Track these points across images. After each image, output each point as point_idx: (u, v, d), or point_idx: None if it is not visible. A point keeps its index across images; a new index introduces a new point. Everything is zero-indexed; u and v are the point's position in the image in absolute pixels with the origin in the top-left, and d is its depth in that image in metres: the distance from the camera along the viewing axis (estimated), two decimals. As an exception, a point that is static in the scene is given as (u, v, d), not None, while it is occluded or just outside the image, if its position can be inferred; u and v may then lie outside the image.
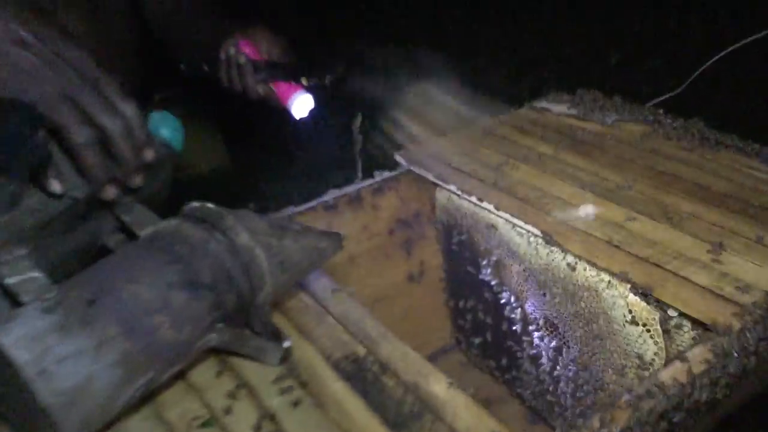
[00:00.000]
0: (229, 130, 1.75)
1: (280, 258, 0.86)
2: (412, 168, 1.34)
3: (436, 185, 1.32)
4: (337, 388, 0.84)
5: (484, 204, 1.20)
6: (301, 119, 1.29)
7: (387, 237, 1.35)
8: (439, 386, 0.84)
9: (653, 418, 0.82)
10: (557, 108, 1.52)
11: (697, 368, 0.86)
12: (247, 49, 1.24)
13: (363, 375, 0.86)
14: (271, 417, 0.81)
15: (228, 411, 0.81)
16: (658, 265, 1.00)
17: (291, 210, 1.25)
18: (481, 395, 1.33)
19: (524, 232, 1.15)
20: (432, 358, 1.42)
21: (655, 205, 1.15)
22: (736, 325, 0.88)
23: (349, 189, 1.31)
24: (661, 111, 1.45)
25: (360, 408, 0.81)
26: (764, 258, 0.99)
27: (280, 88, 1.26)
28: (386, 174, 1.34)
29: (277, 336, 0.87)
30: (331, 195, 1.29)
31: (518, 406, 1.30)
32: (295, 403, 0.82)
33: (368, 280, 1.34)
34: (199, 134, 1.52)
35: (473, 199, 1.22)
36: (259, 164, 1.87)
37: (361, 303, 1.33)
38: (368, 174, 1.35)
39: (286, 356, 0.87)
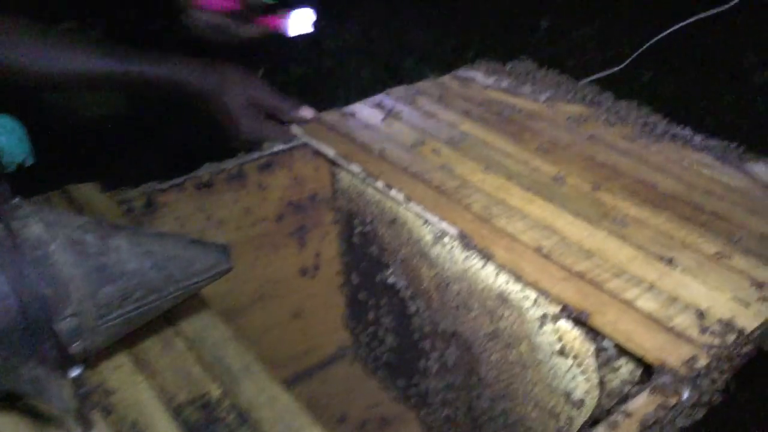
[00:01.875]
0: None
1: (102, 262, 0.62)
2: (308, 142, 1.11)
3: (337, 165, 1.09)
4: (174, 450, 0.62)
5: (393, 192, 0.99)
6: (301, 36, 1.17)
7: (275, 223, 1.12)
8: (312, 447, 0.63)
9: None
10: (485, 79, 1.31)
11: (640, 424, 0.68)
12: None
13: (213, 429, 0.64)
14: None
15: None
16: (595, 284, 0.82)
17: (153, 187, 1.00)
18: (378, 413, 1.14)
19: (438, 230, 0.95)
20: (324, 365, 1.22)
21: (593, 204, 0.97)
22: (687, 369, 0.71)
23: (229, 164, 1.06)
24: (599, 90, 1.27)
25: (202, 478, 0.60)
26: (720, 279, 0.83)
27: (266, 21, 1.14)
28: (277, 147, 1.10)
29: (62, 363, 0.63)
30: (206, 170, 1.04)
31: (417, 428, 1.11)
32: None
33: (250, 274, 1.10)
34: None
35: (379, 184, 1.01)
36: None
37: (239, 303, 1.12)
38: (254, 146, 1.11)
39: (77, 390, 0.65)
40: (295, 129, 1.12)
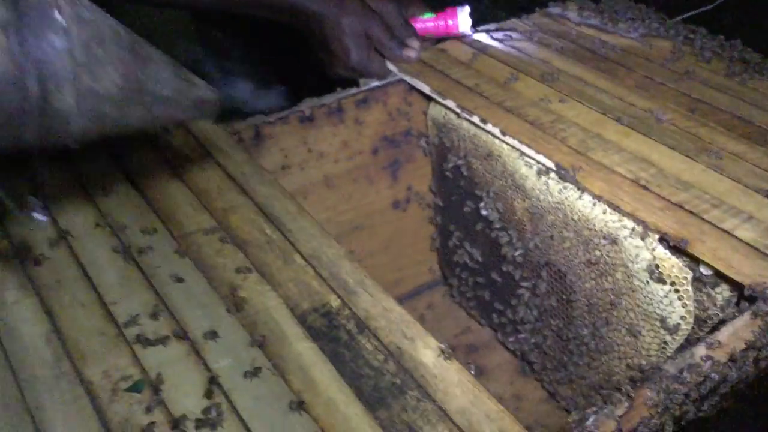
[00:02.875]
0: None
1: (100, 38, 0.60)
2: (404, 77, 1.14)
3: (431, 100, 1.12)
4: (303, 350, 0.68)
5: (488, 126, 1.02)
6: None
7: (370, 156, 1.17)
8: (428, 354, 0.68)
9: (680, 405, 0.67)
10: (576, 16, 1.31)
11: (739, 346, 0.71)
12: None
13: (335, 334, 0.70)
14: (217, 384, 0.65)
15: (159, 380, 0.65)
16: (694, 214, 0.84)
17: (261, 120, 1.05)
18: (467, 340, 1.19)
19: (534, 162, 0.97)
20: (414, 294, 1.27)
21: (690, 139, 0.97)
22: (789, 295, 0.73)
23: (329, 99, 1.11)
24: (693, 27, 1.25)
25: (329, 377, 0.66)
26: (820, 211, 0.83)
27: (432, 30, 1.20)
28: (373, 83, 1.14)
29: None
30: (307, 105, 1.09)
31: (507, 355, 1.16)
32: (251, 371, 0.66)
33: (346, 206, 1.16)
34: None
35: (475, 119, 1.03)
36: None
37: (337, 232, 1.18)
38: (352, 82, 1.15)
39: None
40: (390, 65, 1.15)
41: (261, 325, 0.71)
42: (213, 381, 0.65)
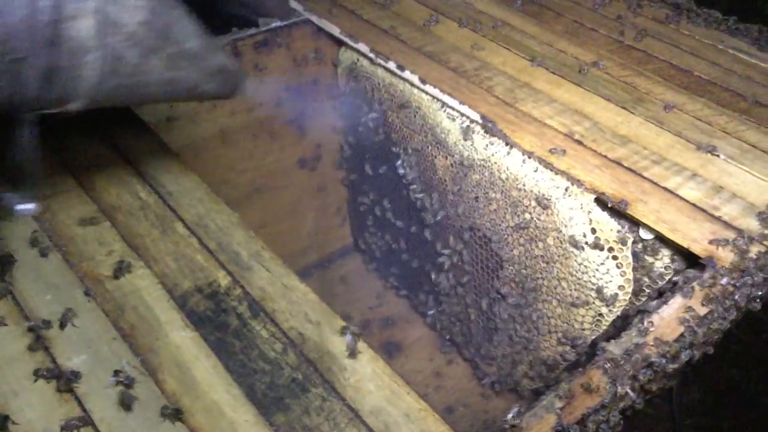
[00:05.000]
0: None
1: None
2: (310, 17, 1.00)
3: (341, 44, 0.99)
4: (181, 341, 0.55)
5: (405, 73, 0.90)
6: None
7: (273, 108, 1.02)
8: (336, 341, 0.57)
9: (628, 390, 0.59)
10: (500, -44, 1.20)
11: (690, 317, 0.63)
12: None
13: (223, 320, 0.57)
14: (69, 388, 0.51)
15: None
16: (633, 171, 0.75)
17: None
18: (383, 313, 1.08)
19: (457, 115, 0.86)
20: (325, 264, 1.15)
21: (626, 89, 0.88)
22: (739, 259, 0.65)
23: (222, 40, 0.95)
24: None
25: (213, 374, 0.53)
26: (766, 165, 0.76)
27: None
28: (274, 23, 0.99)
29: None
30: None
31: (427, 329, 1.06)
32: (113, 370, 0.52)
33: (246, 165, 1.01)
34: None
35: (391, 65, 0.91)
36: None
37: (235, 195, 1.04)
38: (250, 22, 1.00)
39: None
40: (295, 3, 1.01)
41: (129, 310, 0.57)
42: (63, 383, 0.51)
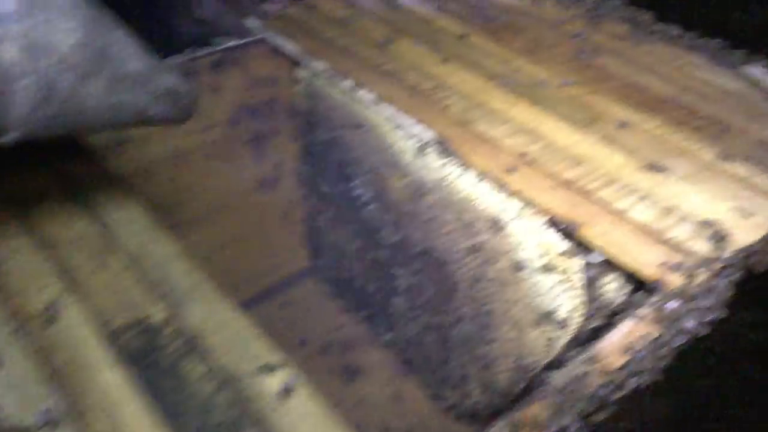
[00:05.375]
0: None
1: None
2: (266, 37, 0.99)
3: (298, 63, 0.98)
4: (110, 381, 0.54)
5: (361, 93, 0.89)
6: None
7: (230, 129, 1.01)
8: (272, 380, 0.55)
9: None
10: (461, -28, 1.19)
11: (637, 344, 0.62)
12: None
13: (156, 358, 0.56)
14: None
15: None
16: (585, 193, 0.74)
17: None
18: (341, 336, 1.07)
19: (412, 134, 0.85)
20: (284, 285, 1.13)
21: (581, 108, 0.88)
22: (686, 284, 0.65)
23: (176, 60, 0.94)
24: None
25: (142, 416, 0.51)
26: (719, 187, 0.76)
27: None
28: (231, 42, 0.98)
29: None
30: (149, 67, 0.92)
31: (385, 352, 1.04)
32: (39, 413, 0.50)
33: (201, 187, 1.00)
34: None
35: (347, 84, 0.90)
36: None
37: (190, 217, 1.02)
38: (205, 41, 0.98)
39: None
40: (251, 22, 1.00)
41: (59, 349, 0.55)
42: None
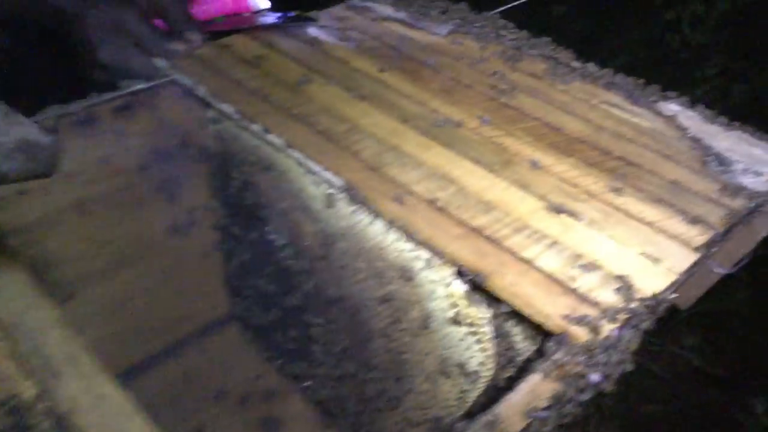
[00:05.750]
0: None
1: None
2: (176, 78, 0.96)
3: (209, 105, 0.95)
4: (-34, 470, 0.49)
5: (271, 137, 0.86)
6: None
7: (138, 175, 0.97)
8: (145, 461, 0.51)
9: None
10: (382, 8, 1.18)
11: (537, 402, 0.60)
12: None
13: (18, 441, 0.51)
14: None
15: None
16: (494, 240, 0.73)
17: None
18: (261, 386, 1.02)
19: (322, 180, 0.83)
20: (201, 334, 1.09)
21: (496, 150, 0.87)
22: (591, 336, 0.63)
23: (76, 107, 0.90)
24: (504, 22, 1.16)
25: None
26: (629, 232, 0.75)
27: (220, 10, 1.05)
28: (138, 85, 0.95)
29: None
30: (49, 114, 0.88)
31: (306, 402, 1.00)
32: None
33: (108, 236, 0.95)
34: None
35: (256, 128, 0.87)
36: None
37: (98, 268, 0.97)
38: (111, 85, 0.95)
39: None
40: (160, 62, 0.96)
41: None
42: None
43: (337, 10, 1.17)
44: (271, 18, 1.08)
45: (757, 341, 2.02)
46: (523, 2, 1.32)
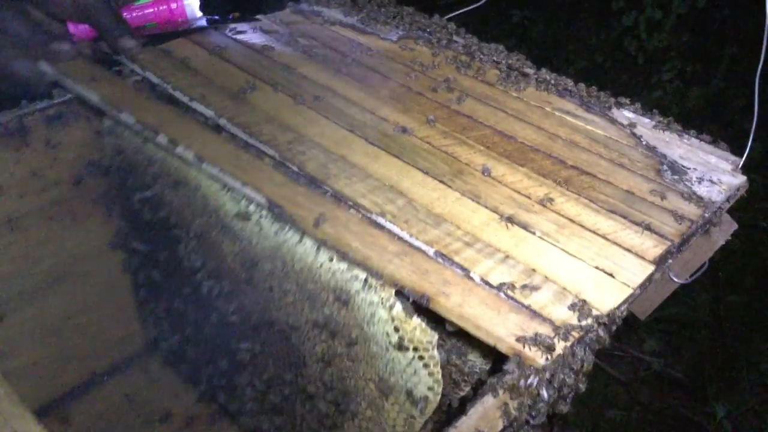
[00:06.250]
0: None
1: None
2: (65, 84, 0.87)
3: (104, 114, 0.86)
4: None
5: (180, 149, 0.79)
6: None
7: (72, 188, 0.91)
8: None
9: None
10: (331, 12, 1.14)
11: (491, 427, 0.57)
12: None
13: None
14: None
15: None
16: (444, 256, 0.69)
17: None
18: (184, 412, 0.97)
19: (241, 196, 0.78)
20: (144, 354, 1.03)
21: (446, 160, 0.84)
22: (545, 357, 0.60)
23: (5, 116, 0.85)
24: (455, 27, 1.13)
25: None
26: (583, 244, 0.72)
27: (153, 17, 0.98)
28: (69, 95, 0.89)
29: None
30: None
31: (235, 428, 0.95)
32: None
33: (41, 252, 0.90)
34: None
35: (162, 140, 0.80)
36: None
37: (31, 287, 0.92)
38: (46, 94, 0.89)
39: None
40: (44, 66, 0.88)
41: None
42: None
43: (284, 14, 1.13)
44: (205, 21, 1.03)
45: (717, 345, 2.04)
46: (480, 7, 1.29)
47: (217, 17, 1.02)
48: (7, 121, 0.84)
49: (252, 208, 0.75)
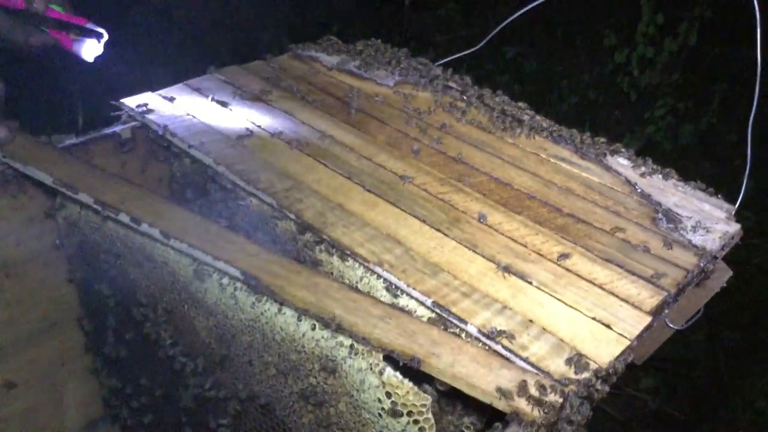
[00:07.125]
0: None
1: None
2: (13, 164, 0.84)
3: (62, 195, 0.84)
4: None
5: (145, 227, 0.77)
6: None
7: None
8: None
9: None
10: (328, 58, 1.16)
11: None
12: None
13: None
14: None
15: None
16: (442, 307, 0.70)
17: None
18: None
19: (213, 270, 0.76)
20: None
21: (443, 208, 0.84)
22: (544, 413, 0.60)
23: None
24: (453, 74, 1.14)
25: None
26: (579, 294, 0.72)
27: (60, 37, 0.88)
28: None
29: None
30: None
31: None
32: None
33: (40, 298, 0.89)
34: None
35: (123, 218, 0.78)
36: None
37: (22, 336, 0.90)
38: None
39: None
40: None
41: None
42: None
43: (282, 60, 1.14)
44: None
45: (713, 383, 2.03)
46: (475, 50, 1.30)
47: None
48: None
49: (226, 280, 0.74)
